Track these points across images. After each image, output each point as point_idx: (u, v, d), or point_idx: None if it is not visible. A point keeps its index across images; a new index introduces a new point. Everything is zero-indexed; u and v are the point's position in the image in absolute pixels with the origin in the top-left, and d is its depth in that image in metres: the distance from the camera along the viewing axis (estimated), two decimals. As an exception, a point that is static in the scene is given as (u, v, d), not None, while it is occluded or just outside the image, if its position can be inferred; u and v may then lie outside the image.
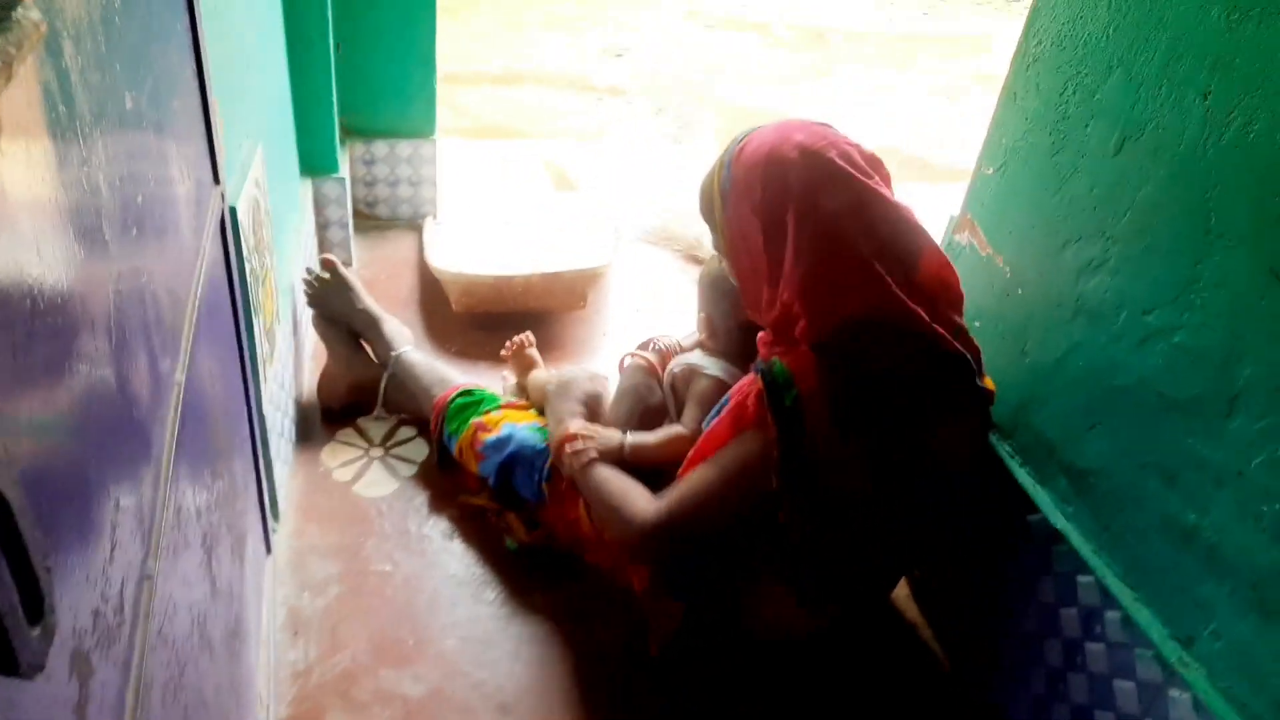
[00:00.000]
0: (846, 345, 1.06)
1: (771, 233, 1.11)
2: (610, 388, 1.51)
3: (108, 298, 0.52)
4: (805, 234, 1.08)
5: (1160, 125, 0.99)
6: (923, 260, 1.11)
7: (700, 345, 1.44)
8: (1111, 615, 1.05)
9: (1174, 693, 0.96)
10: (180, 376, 0.75)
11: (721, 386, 1.33)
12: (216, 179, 1.03)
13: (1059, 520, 1.14)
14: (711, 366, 1.37)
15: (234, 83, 1.25)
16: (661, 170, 3.24)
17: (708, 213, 1.24)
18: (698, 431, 1.26)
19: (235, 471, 1.07)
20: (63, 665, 0.39)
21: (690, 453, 1.22)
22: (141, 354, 0.60)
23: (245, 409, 1.19)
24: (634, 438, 1.33)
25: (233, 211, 1.13)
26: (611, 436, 1.33)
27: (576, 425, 1.35)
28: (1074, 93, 1.12)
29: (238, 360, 1.15)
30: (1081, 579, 1.10)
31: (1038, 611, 1.17)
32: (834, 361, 1.06)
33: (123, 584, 0.52)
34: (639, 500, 1.20)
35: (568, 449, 1.32)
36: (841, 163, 1.10)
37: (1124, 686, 1.03)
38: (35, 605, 0.31)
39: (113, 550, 0.50)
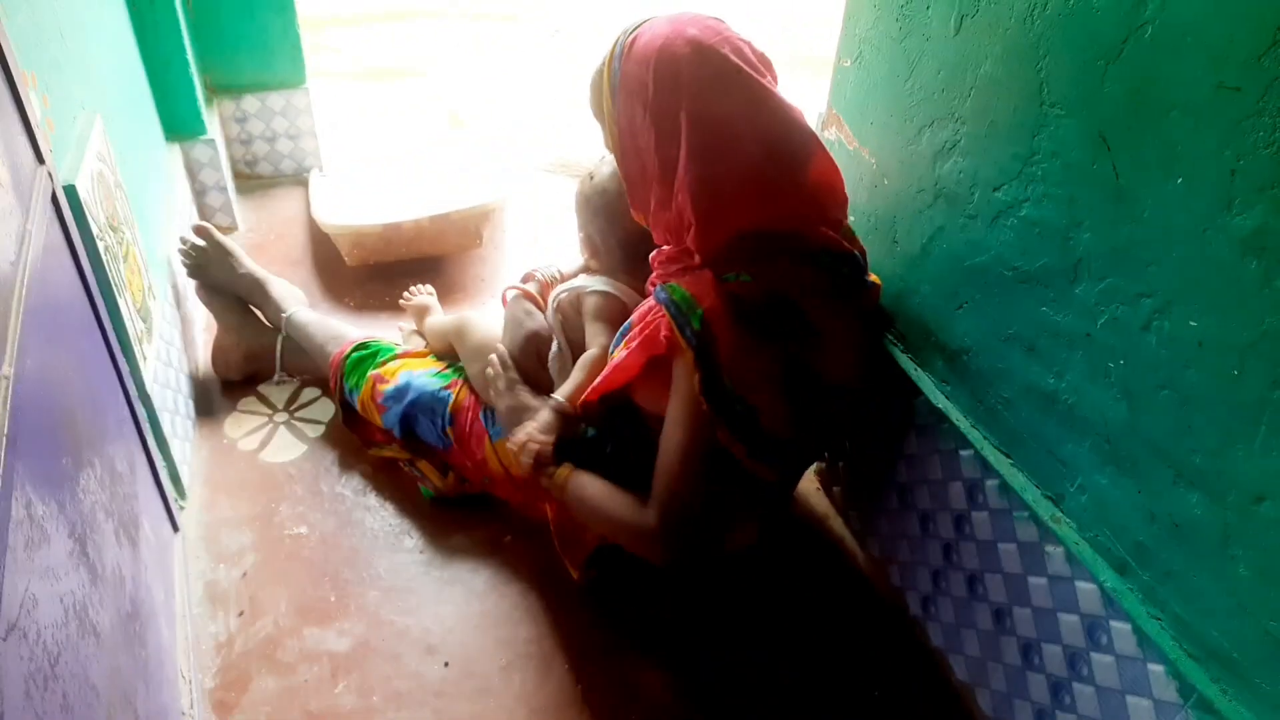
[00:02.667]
0: (738, 257, 1.07)
1: (664, 133, 1.08)
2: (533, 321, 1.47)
3: None
4: (698, 136, 1.05)
5: (991, 1, 1.00)
6: (812, 164, 1.11)
7: (585, 267, 1.43)
8: (991, 483, 1.10)
9: (1049, 548, 1.02)
10: (8, 371, 0.72)
11: (613, 300, 1.33)
12: (40, 158, 0.98)
13: (939, 400, 1.18)
14: (597, 283, 1.36)
15: (55, 56, 1.18)
16: (557, 95, 3.17)
17: (597, 108, 1.20)
18: (607, 346, 1.27)
19: (114, 456, 1.05)
20: None
21: (600, 379, 1.20)
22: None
23: (120, 391, 1.16)
24: (562, 392, 1.28)
25: (70, 190, 1.09)
26: (545, 418, 1.26)
27: (521, 435, 1.26)
28: (914, -24, 1.12)
29: (101, 343, 1.11)
30: (963, 453, 1.15)
31: (929, 489, 1.22)
32: (729, 274, 1.06)
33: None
34: (633, 514, 1.14)
35: (538, 473, 1.26)
36: (735, 60, 1.07)
37: (1007, 548, 1.09)
38: None
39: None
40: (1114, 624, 0.94)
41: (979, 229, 1.07)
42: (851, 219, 1.32)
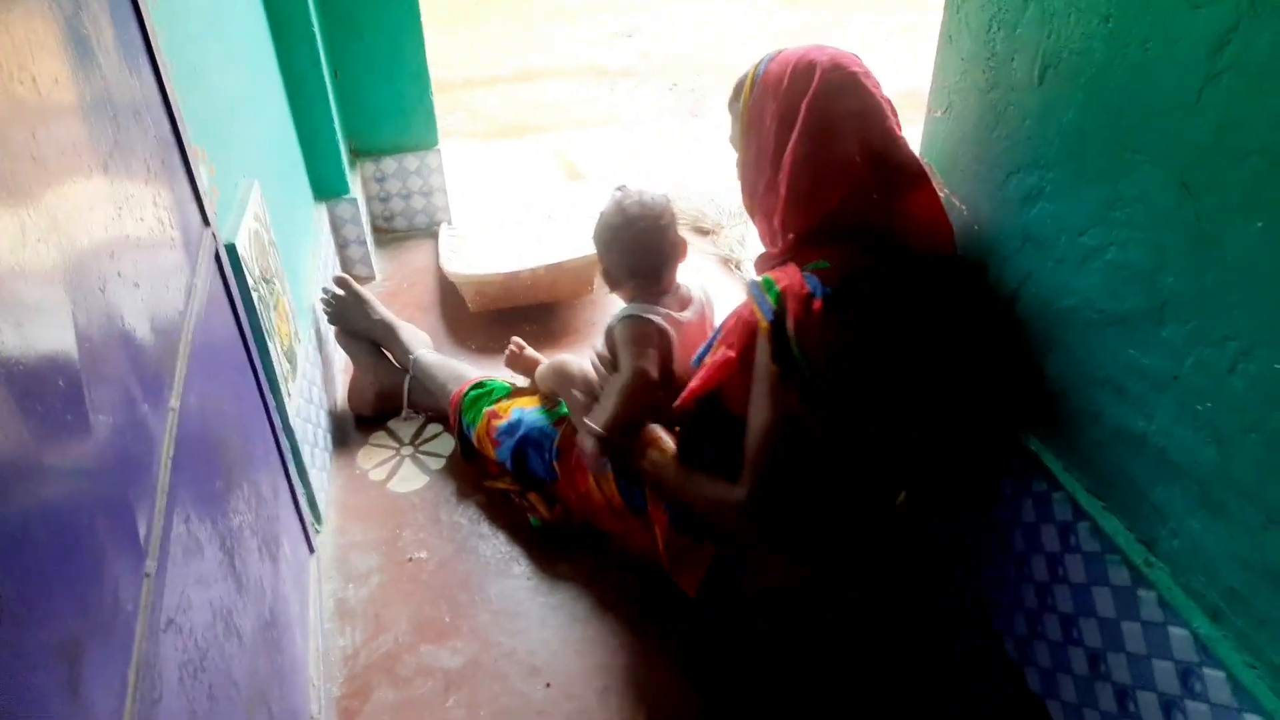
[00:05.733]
0: (818, 244, 1.14)
1: (783, 120, 1.18)
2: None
3: (75, 349, 0.62)
4: (810, 123, 1.14)
5: (1073, 53, 1.02)
6: (914, 193, 1.16)
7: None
8: (1084, 526, 1.09)
9: (1142, 592, 1.01)
10: (175, 404, 0.85)
11: (638, 322, 1.43)
12: (206, 221, 1.14)
13: (1032, 443, 1.19)
14: (625, 310, 1.47)
15: (222, 131, 1.36)
16: (671, 147, 3.28)
17: (734, 100, 1.30)
18: (635, 369, 1.38)
19: (260, 481, 1.18)
20: (49, 648, 0.49)
21: (698, 379, 1.27)
22: (118, 390, 0.70)
23: (267, 424, 1.30)
24: (597, 422, 1.39)
25: (230, 248, 1.24)
26: (586, 448, 1.41)
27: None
28: (998, 29, 1.15)
29: (252, 381, 1.26)
30: (1056, 495, 1.14)
31: (1023, 531, 1.22)
32: (809, 263, 1.13)
33: (117, 584, 0.62)
34: (724, 490, 1.20)
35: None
36: (864, 79, 1.16)
37: (1100, 591, 1.07)
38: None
39: (99, 558, 0.59)
40: (1208, 671, 0.92)
41: (1066, 272, 1.08)
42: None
